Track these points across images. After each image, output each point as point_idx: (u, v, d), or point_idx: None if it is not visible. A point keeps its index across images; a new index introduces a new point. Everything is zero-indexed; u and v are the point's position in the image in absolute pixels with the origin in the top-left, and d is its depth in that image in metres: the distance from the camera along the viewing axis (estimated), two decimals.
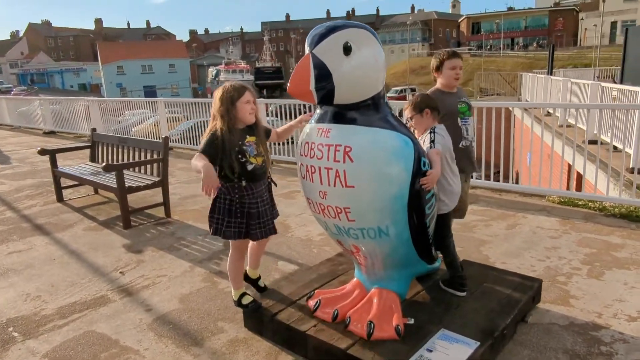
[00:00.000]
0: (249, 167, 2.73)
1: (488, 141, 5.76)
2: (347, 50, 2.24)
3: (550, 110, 9.31)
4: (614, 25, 50.17)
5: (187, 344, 2.85)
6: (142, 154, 5.69)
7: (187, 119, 10.86)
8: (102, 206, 5.96)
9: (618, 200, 4.89)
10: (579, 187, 6.71)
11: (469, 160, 3.19)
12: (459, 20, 75.23)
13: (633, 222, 4.53)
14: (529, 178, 6.13)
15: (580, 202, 5.14)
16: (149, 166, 5.61)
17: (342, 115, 2.36)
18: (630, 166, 6.31)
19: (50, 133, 14.30)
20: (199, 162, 2.56)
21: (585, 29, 55.53)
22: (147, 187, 5.25)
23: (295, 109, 8.22)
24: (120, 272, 3.93)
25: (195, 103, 10.25)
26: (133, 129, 11.64)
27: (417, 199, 2.40)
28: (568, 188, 6.77)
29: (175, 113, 12.23)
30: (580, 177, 6.41)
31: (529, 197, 5.59)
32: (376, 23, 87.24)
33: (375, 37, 2.38)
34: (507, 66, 44.40)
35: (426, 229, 2.56)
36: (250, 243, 3.10)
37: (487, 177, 6.24)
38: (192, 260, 4.12)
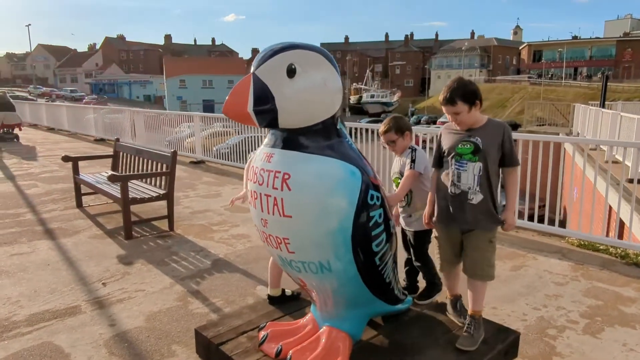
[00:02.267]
0: None
1: (534, 172, 5.31)
2: (290, 72, 2.12)
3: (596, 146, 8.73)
4: None
5: None
6: (154, 166, 5.77)
7: (238, 134, 10.87)
8: (114, 215, 6.08)
9: None
10: (621, 234, 6.12)
11: (463, 211, 2.60)
12: (520, 48, 73.24)
13: None
14: (580, 216, 5.58)
15: (601, 247, 4.70)
16: (158, 178, 5.67)
17: (288, 140, 2.24)
18: None
19: (100, 140, 15.00)
20: None
21: None
22: (151, 199, 5.30)
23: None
24: (103, 284, 3.94)
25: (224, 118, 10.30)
26: (186, 141, 11.76)
27: (362, 235, 2.22)
28: (608, 231, 6.21)
29: (227, 127, 12.25)
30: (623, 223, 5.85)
31: (548, 236, 5.18)
32: (434, 48, 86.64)
33: (329, 59, 2.25)
34: (568, 96, 42.61)
35: (376, 267, 2.36)
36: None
37: (531, 210, 5.60)
38: (175, 277, 4.08)
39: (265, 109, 2.11)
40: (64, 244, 4.97)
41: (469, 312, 2.70)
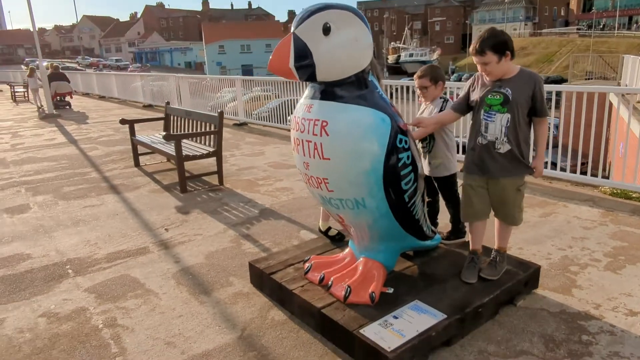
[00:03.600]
0: None
1: (577, 128, 5.35)
2: (326, 30, 2.39)
3: None
4: None
5: (198, 292, 3.24)
6: (202, 126, 6.21)
7: (277, 97, 11.24)
8: (169, 172, 6.61)
9: None
10: None
11: (491, 160, 2.72)
12: None
13: None
14: (623, 171, 5.59)
15: (634, 195, 4.80)
16: (207, 137, 6.11)
17: (325, 92, 2.54)
18: None
19: (148, 106, 15.69)
20: None
21: None
22: (202, 156, 5.75)
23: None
24: (165, 229, 4.44)
25: (277, 82, 10.66)
26: (228, 105, 12.21)
27: (392, 175, 2.52)
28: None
29: (266, 91, 12.60)
30: None
31: (582, 186, 5.31)
32: (476, 1, 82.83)
33: (360, 17, 2.51)
34: (621, 47, 40.25)
35: (405, 204, 2.66)
36: None
37: (574, 167, 5.64)
38: (227, 223, 4.53)
39: (305, 64, 2.41)
40: (127, 197, 5.52)
41: (495, 246, 2.99)
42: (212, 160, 6.06)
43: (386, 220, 2.69)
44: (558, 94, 6.33)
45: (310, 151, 2.54)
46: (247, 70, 63.88)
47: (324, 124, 2.46)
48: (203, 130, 6.16)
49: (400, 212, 2.68)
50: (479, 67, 2.72)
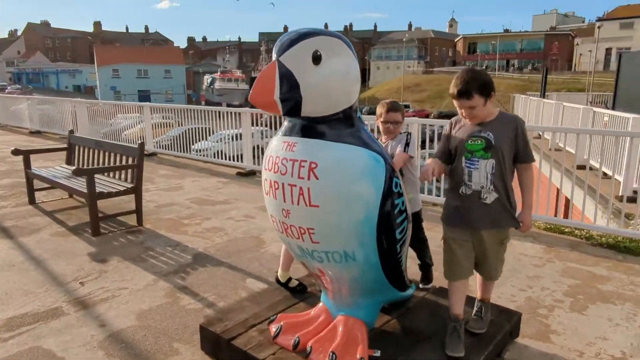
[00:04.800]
0: None
1: None
2: (316, 59, 2.07)
3: (541, 133, 9.21)
4: (608, 52, 50.88)
5: None
6: (118, 159, 5.48)
7: (179, 125, 10.65)
8: (74, 211, 5.73)
9: (605, 230, 4.75)
10: (566, 213, 6.57)
11: (476, 212, 2.44)
12: (456, 40, 75.89)
13: (620, 253, 4.37)
14: (537, 203, 5.83)
15: (566, 230, 4.99)
16: (123, 172, 5.40)
17: (309, 128, 2.20)
18: (620, 194, 6.21)
19: (36, 133, 14.02)
20: None
21: (580, 54, 56.23)
22: (119, 193, 5.04)
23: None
24: (80, 283, 3.71)
25: (186, 110, 10.07)
26: (124, 133, 11.37)
27: (387, 222, 2.23)
28: (556, 214, 6.62)
29: (167, 119, 11.97)
30: (568, 203, 6.28)
31: None
32: (373, 39, 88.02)
33: (349, 47, 2.23)
34: (502, 87, 44.67)
35: (397, 255, 2.38)
36: None
37: None
38: (157, 273, 3.91)
39: (291, 96, 2.06)
40: (25, 242, 4.62)
41: (478, 297, 2.78)
42: (126, 197, 5.35)
43: (374, 272, 2.38)
44: None
45: (294, 197, 2.16)
46: (144, 96, 60.93)
47: (313, 165, 2.10)
48: (118, 163, 5.44)
49: (390, 263, 2.39)
50: (461, 111, 2.43)
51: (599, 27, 45.69)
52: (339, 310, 2.58)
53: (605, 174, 6.22)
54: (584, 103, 15.28)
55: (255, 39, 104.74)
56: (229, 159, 8.77)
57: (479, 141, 2.38)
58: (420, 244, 3.22)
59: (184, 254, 4.36)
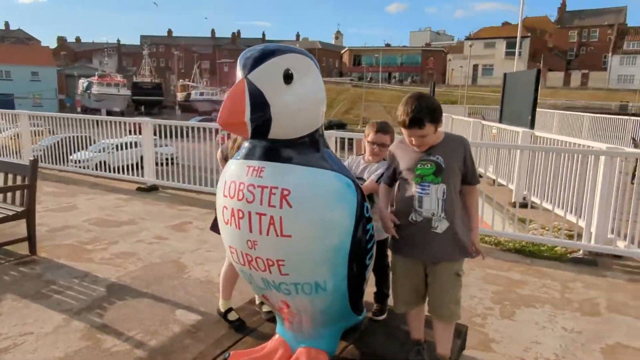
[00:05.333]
0: None
1: None
2: (288, 78, 1.93)
3: None
4: (475, 67, 56.42)
5: None
6: (2, 178, 4.73)
7: (52, 134, 9.58)
8: None
9: (511, 236, 5.13)
10: None
11: (426, 241, 2.28)
12: (342, 52, 78.97)
13: (527, 257, 4.75)
14: None
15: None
16: (9, 193, 4.66)
17: (275, 151, 2.03)
18: (512, 200, 6.81)
19: None
20: None
21: (452, 69, 61.71)
22: (7, 219, 4.33)
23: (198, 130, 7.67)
24: None
25: (63, 118, 9.11)
26: None
27: (359, 248, 2.14)
28: None
29: (37, 127, 10.70)
30: None
31: None
32: None
33: (317, 66, 2.11)
34: (385, 98, 47.42)
35: (363, 281, 2.30)
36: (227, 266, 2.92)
37: None
38: (66, 311, 3.40)
39: (261, 117, 1.89)
40: None
41: (436, 351, 2.49)
42: (14, 223, 4.64)
43: (341, 301, 2.28)
44: None
45: (263, 227, 1.98)
46: (6, 101, 54.32)
47: (285, 192, 1.95)
48: (4, 183, 4.69)
49: (356, 290, 2.30)
50: (410, 139, 2.26)
51: (470, 46, 50.64)
52: (298, 342, 2.43)
53: (498, 183, 6.77)
54: (465, 115, 16.67)
55: (137, 41, 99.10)
56: (127, 173, 8.03)
57: (429, 165, 2.25)
58: (381, 271, 2.95)
59: (95, 285, 3.87)
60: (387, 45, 75.74)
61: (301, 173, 2.00)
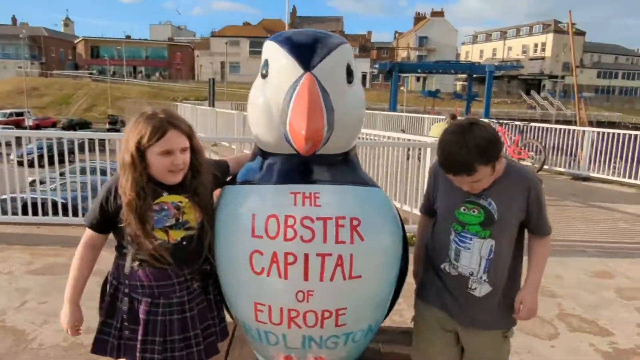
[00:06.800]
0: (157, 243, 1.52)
1: None
2: (350, 75, 1.50)
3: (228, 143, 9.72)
4: (223, 64, 57.53)
5: None
6: None
7: None
8: None
9: None
10: None
11: (464, 303, 1.69)
12: (75, 42, 69.89)
13: None
14: None
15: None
16: None
17: (324, 169, 1.57)
18: None
19: None
20: None
21: (201, 65, 61.55)
22: None
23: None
24: None
25: None
26: None
27: (403, 276, 1.83)
28: None
29: None
30: None
31: None
32: None
33: None
34: (133, 94, 44.20)
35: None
36: None
37: None
38: None
39: (332, 126, 1.42)
40: None
41: None
42: None
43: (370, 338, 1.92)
44: None
45: (326, 271, 1.50)
46: None
47: (355, 222, 1.51)
48: None
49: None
50: (464, 186, 1.60)
51: (226, 43, 51.41)
52: None
53: None
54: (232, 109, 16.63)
55: None
56: None
57: (476, 211, 1.63)
58: None
59: None
60: (128, 37, 70.42)
61: (361, 194, 1.59)
